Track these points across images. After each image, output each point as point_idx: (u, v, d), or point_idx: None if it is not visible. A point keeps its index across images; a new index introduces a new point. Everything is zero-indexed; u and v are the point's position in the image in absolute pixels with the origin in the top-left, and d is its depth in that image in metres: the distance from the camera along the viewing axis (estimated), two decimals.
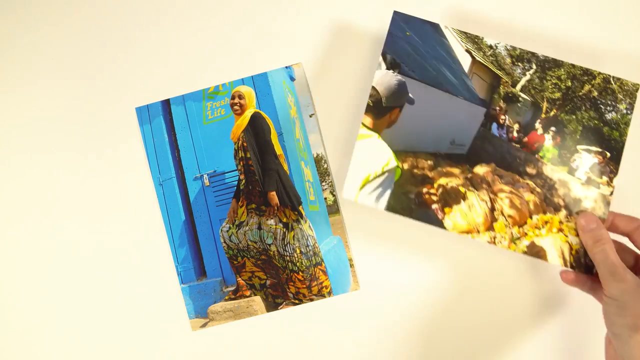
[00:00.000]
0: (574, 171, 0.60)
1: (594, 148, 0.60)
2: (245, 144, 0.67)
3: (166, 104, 0.67)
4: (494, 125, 0.60)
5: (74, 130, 0.67)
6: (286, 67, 0.67)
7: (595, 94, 0.60)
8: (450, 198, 0.58)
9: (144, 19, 0.68)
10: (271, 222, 0.66)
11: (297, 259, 0.66)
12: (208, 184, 0.67)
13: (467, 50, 0.60)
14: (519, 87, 0.61)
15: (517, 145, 0.60)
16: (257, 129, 0.67)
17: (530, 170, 0.60)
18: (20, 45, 0.68)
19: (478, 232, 0.58)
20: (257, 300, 0.66)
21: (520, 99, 0.61)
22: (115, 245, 0.66)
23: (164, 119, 0.67)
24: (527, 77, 0.61)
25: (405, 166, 0.59)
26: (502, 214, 0.58)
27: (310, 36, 0.67)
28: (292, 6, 0.67)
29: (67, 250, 0.66)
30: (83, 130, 0.67)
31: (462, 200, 0.58)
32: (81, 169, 0.67)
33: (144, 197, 0.66)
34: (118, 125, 0.67)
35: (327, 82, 0.66)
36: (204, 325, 0.65)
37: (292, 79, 0.67)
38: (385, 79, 0.58)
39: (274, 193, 0.66)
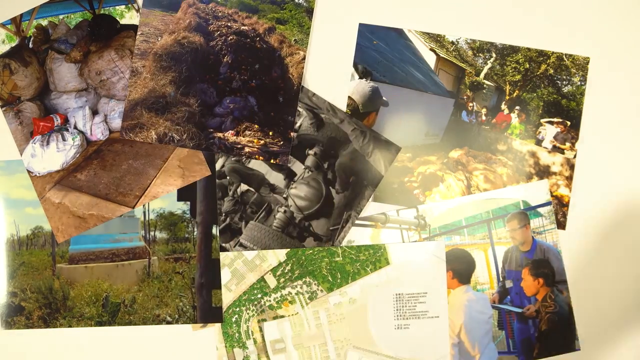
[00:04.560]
0: (540, 142, 0.68)
1: (555, 119, 0.67)
2: None
3: None
4: (464, 113, 0.68)
5: None
6: None
7: (551, 71, 0.67)
8: (430, 182, 0.67)
9: None
10: None
11: None
12: None
13: (431, 49, 0.68)
14: (482, 75, 0.68)
15: (487, 127, 0.68)
16: None
17: (501, 147, 0.68)
18: None
19: None
20: None
21: (484, 85, 0.68)
22: None
23: None
24: (489, 65, 0.68)
25: None
26: (478, 188, 0.67)
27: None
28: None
29: None
30: None
31: (440, 183, 0.67)
32: None
33: None
34: None
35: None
36: (204, 325, 0.66)
37: None
38: (359, 87, 0.67)
39: None
